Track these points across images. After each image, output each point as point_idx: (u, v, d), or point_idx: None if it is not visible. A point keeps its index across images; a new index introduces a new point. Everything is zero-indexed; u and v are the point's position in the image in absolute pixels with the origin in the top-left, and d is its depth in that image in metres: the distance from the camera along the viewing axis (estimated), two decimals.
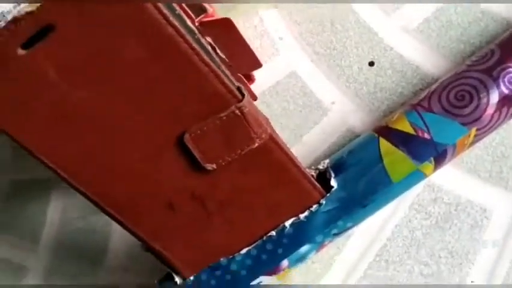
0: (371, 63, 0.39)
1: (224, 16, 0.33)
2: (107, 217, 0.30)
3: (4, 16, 0.28)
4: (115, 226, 0.31)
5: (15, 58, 0.23)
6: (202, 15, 0.31)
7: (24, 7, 0.23)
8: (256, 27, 0.43)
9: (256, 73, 0.39)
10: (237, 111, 0.27)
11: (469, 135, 0.31)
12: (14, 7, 0.28)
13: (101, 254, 0.43)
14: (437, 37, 0.38)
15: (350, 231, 0.34)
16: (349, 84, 0.40)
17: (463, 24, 0.37)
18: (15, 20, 0.23)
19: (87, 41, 0.24)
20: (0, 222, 0.46)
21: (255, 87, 0.40)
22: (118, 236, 0.42)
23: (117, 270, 0.42)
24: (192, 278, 0.33)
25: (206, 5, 0.31)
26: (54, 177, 0.28)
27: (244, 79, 0.37)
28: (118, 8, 0.23)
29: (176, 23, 0.25)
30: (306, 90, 0.41)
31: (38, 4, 0.23)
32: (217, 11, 0.37)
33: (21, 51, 0.23)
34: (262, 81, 0.41)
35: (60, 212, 0.44)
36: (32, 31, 0.23)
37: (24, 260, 0.44)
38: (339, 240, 0.35)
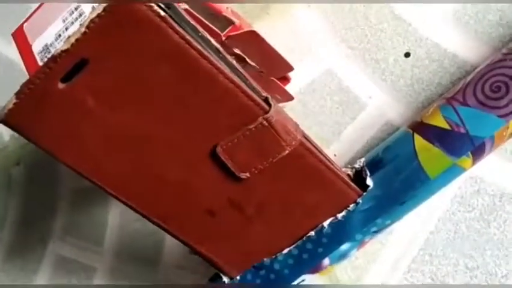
0: (407, 55, 0.39)
1: (255, 21, 0.34)
2: None
3: (48, 48, 0.31)
4: None
5: (57, 91, 0.26)
6: (229, 28, 0.32)
7: (60, 46, 0.25)
8: (290, 26, 0.43)
9: (292, 72, 0.39)
10: (265, 122, 0.28)
11: (508, 127, 0.30)
12: (56, 39, 0.31)
13: (158, 253, 0.45)
14: (475, 23, 0.37)
15: (391, 227, 0.34)
16: (385, 78, 0.39)
17: (502, 7, 0.36)
18: (53, 58, 0.25)
19: (118, 69, 0.26)
20: (67, 227, 0.50)
21: (291, 86, 0.41)
22: None
23: (173, 268, 0.45)
24: (238, 277, 0.35)
25: (232, 18, 0.32)
26: None
27: (278, 82, 0.38)
28: (143, 38, 0.25)
29: (199, 46, 0.26)
30: (342, 86, 0.41)
31: (72, 41, 0.24)
32: (247, 18, 0.38)
33: (61, 85, 0.26)
34: (298, 80, 0.42)
35: (119, 216, 0.48)
36: (69, 66, 0.25)
37: (91, 261, 0.48)
38: (381, 236, 0.36)
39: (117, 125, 0.28)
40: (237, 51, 0.32)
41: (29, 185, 0.54)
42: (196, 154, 0.29)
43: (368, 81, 0.40)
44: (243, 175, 0.30)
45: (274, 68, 0.35)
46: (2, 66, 0.59)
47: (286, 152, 0.29)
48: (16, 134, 0.56)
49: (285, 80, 0.40)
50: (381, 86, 0.39)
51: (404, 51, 0.39)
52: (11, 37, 0.34)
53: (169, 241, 0.45)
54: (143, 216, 0.31)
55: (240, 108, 0.28)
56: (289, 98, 0.40)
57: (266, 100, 0.29)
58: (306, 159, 0.30)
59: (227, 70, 0.27)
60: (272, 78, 0.37)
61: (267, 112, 0.28)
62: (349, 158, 0.40)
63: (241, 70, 0.29)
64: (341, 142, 0.40)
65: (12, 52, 0.58)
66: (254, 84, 0.29)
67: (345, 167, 0.35)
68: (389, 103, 0.39)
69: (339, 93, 0.41)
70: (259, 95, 0.29)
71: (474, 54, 0.37)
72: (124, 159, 0.29)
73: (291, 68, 0.36)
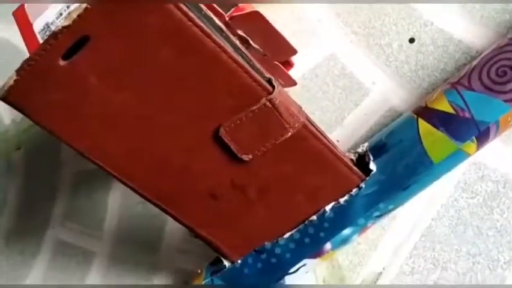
0: (411, 40, 0.38)
1: (259, 5, 0.33)
2: None
3: (49, 27, 0.31)
4: None
5: (58, 68, 0.25)
6: (233, 9, 0.31)
7: (61, 22, 0.25)
8: (294, 10, 0.43)
9: (295, 57, 0.39)
10: (268, 104, 0.28)
11: None
12: (57, 18, 0.30)
13: (159, 237, 0.45)
14: (480, 8, 0.36)
15: (394, 213, 0.33)
16: (389, 63, 0.39)
17: None
18: (54, 34, 0.24)
19: (120, 47, 0.25)
20: (67, 212, 0.50)
21: (294, 71, 0.41)
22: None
23: (175, 252, 0.45)
24: (239, 261, 0.35)
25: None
26: None
27: (281, 66, 0.37)
28: (145, 14, 0.24)
29: (202, 24, 0.25)
30: (346, 72, 0.40)
31: (74, 17, 0.24)
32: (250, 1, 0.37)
33: (62, 62, 0.25)
34: (301, 65, 0.41)
35: (120, 200, 0.48)
36: (70, 43, 0.25)
37: (90, 245, 0.48)
38: (384, 221, 0.35)
39: (118, 104, 0.27)
40: (240, 32, 0.32)
41: (30, 169, 0.54)
42: (198, 135, 0.29)
43: (371, 67, 0.39)
44: (246, 157, 0.29)
45: (277, 51, 0.35)
46: (5, 51, 0.58)
47: (289, 134, 0.29)
48: (17, 118, 0.56)
49: (289, 65, 0.40)
50: (385, 72, 0.39)
51: (409, 37, 0.38)
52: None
53: (170, 225, 0.45)
54: (145, 198, 0.31)
55: (243, 88, 0.27)
56: (292, 83, 0.40)
57: (269, 81, 0.28)
58: (309, 141, 0.30)
59: (230, 49, 0.27)
60: (275, 62, 0.36)
61: (270, 93, 0.28)
62: (352, 143, 0.39)
63: (245, 51, 0.28)
64: (344, 128, 0.40)
65: (17, 38, 0.58)
66: (257, 65, 0.29)
67: (349, 151, 0.35)
68: (393, 89, 0.39)
69: (342, 79, 0.40)
70: (263, 76, 0.28)
71: (479, 40, 0.36)
72: (125, 139, 0.29)
73: (294, 52, 0.36)
